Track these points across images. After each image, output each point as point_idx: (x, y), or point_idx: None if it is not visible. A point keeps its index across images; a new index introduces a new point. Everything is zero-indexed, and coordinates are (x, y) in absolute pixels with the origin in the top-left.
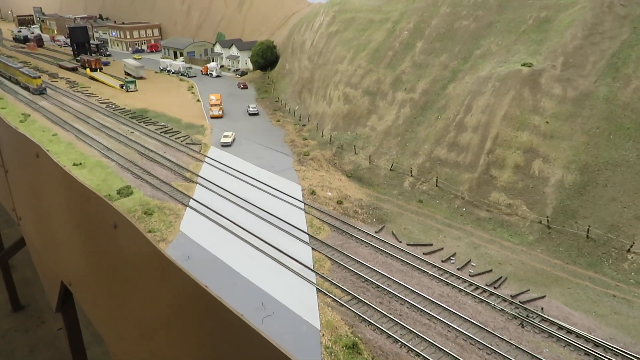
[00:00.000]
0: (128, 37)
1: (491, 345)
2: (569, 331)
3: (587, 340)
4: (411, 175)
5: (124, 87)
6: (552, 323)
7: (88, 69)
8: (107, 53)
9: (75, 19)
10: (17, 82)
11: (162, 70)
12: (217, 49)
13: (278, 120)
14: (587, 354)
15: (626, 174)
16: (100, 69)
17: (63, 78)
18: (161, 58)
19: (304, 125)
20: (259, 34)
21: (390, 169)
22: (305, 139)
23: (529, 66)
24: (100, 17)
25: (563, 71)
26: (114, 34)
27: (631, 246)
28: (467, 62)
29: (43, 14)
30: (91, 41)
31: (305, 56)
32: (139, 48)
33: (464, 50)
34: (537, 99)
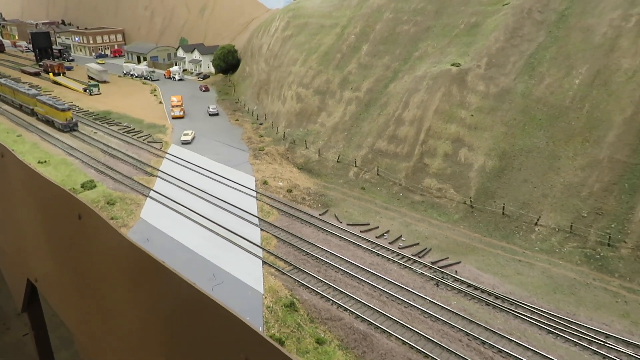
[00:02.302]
0: (91, 42)
1: (409, 300)
2: (476, 288)
3: (489, 294)
4: (355, 166)
5: (87, 91)
6: (463, 282)
7: (51, 74)
8: (70, 58)
9: (37, 24)
10: (32, 113)
11: (125, 74)
12: (180, 53)
13: (237, 120)
14: (487, 304)
15: (537, 159)
16: (64, 73)
17: (26, 83)
18: (124, 63)
19: (261, 124)
20: (220, 39)
21: (337, 161)
22: (262, 136)
23: (457, 66)
24: (63, 22)
25: (487, 70)
26: (76, 39)
27: (538, 220)
28: (406, 63)
29: (4, 20)
30: (54, 46)
31: (262, 59)
32: (103, 53)
33: (404, 52)
34: (463, 95)
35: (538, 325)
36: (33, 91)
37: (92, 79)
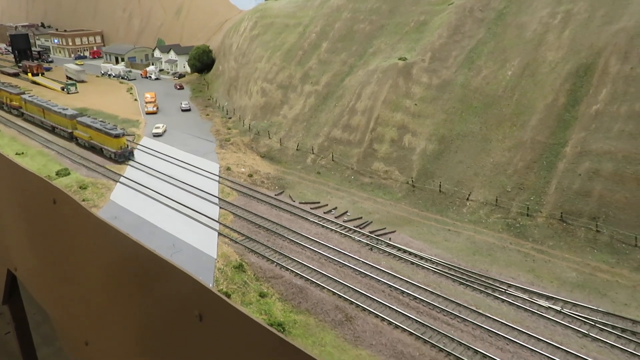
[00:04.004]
0: (70, 44)
1: (343, 261)
2: (405, 251)
3: (416, 256)
4: (313, 153)
5: (65, 90)
6: (395, 247)
7: (30, 74)
8: (49, 59)
9: (16, 26)
10: (69, 137)
11: (103, 74)
12: (157, 53)
13: (207, 115)
14: (412, 264)
15: (471, 142)
16: (42, 73)
17: (5, 83)
18: (102, 63)
19: (230, 118)
20: (196, 40)
21: (297, 149)
22: (229, 129)
23: (404, 60)
24: (43, 25)
25: (430, 63)
26: (56, 41)
27: (469, 195)
28: (361, 58)
29: None
30: (33, 48)
31: (232, 57)
32: (82, 54)
33: (360, 49)
34: (409, 86)
35: (452, 279)
36: (71, 111)
37: (70, 78)
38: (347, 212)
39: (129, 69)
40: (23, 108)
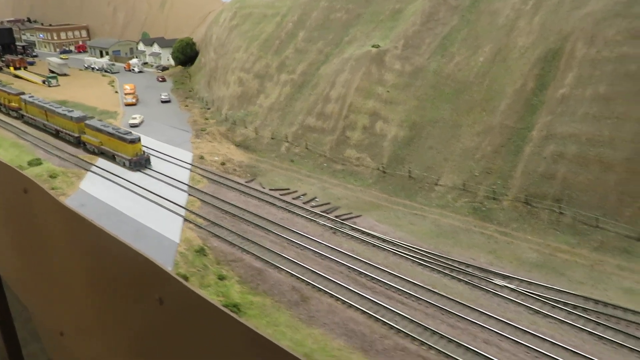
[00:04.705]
0: (55, 38)
1: (305, 244)
2: (369, 234)
3: (379, 239)
4: (287, 141)
5: (46, 83)
6: (359, 230)
7: (12, 67)
8: (34, 54)
9: (2, 22)
10: (77, 142)
11: (87, 68)
12: (141, 47)
13: (186, 106)
14: (374, 246)
15: (442, 128)
16: (25, 67)
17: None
18: (88, 57)
19: (209, 109)
20: (180, 32)
21: (272, 138)
22: (207, 119)
23: (377, 47)
24: (29, 19)
25: (403, 51)
26: (41, 35)
27: (438, 180)
28: (337, 47)
29: None
30: (18, 43)
31: (212, 49)
32: (67, 49)
33: (336, 38)
34: (381, 73)
35: (412, 260)
36: (78, 113)
37: (53, 72)
38: (315, 198)
39: (112, 62)
40: (23, 110)
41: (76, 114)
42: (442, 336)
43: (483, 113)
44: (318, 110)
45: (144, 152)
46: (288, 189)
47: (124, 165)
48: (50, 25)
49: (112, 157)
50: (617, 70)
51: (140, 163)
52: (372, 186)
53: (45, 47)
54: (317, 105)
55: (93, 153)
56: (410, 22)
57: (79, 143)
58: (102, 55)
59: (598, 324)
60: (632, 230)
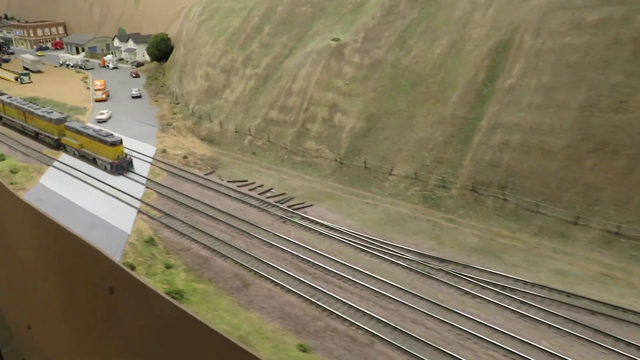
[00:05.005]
0: (32, 35)
1: (254, 233)
2: (318, 223)
3: (327, 227)
4: (250, 134)
5: (18, 80)
6: (308, 219)
7: None
8: (10, 51)
9: None
10: (56, 145)
11: (61, 64)
12: (116, 43)
13: (156, 101)
14: (321, 234)
15: (398, 119)
16: None
17: None
18: (64, 54)
19: (178, 104)
20: (155, 28)
21: (235, 131)
22: (175, 114)
23: (337, 41)
24: (6, 16)
25: (363, 44)
26: (17, 32)
27: (391, 170)
28: (301, 41)
29: None
30: None
31: (182, 44)
32: (44, 46)
33: (300, 32)
34: (340, 66)
35: (356, 247)
36: (57, 114)
37: (27, 69)
38: (272, 189)
39: (86, 59)
40: (1, 111)
41: (56, 115)
42: (372, 317)
43: (437, 104)
44: (280, 104)
45: (126, 154)
46: (246, 181)
47: (105, 169)
48: (27, 22)
49: (92, 161)
50: (560, 60)
51: (122, 166)
52: (329, 177)
53: (22, 44)
54: (280, 98)
55: (74, 156)
56: (371, 15)
57: (59, 146)
58: (78, 52)
59: (523, 303)
60: (569, 215)
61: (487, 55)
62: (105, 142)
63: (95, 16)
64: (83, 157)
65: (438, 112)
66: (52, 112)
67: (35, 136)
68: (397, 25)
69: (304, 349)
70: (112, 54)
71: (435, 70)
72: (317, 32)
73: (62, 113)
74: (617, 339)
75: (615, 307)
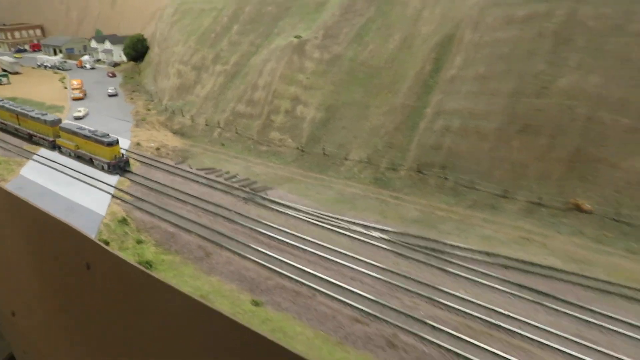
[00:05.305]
0: (10, 38)
1: (217, 212)
2: (276, 203)
3: (284, 206)
4: (219, 127)
5: None
6: (268, 200)
7: None
8: None
9: None
10: (51, 146)
11: (39, 65)
12: (93, 44)
13: (132, 99)
14: (278, 212)
15: (354, 110)
16: None
17: None
18: (42, 55)
19: (152, 100)
20: (132, 29)
21: (206, 124)
22: (149, 110)
23: (299, 38)
24: None
25: (323, 40)
26: None
27: (347, 156)
28: (267, 39)
29: None
30: None
31: (156, 43)
32: (22, 48)
33: (266, 30)
34: (302, 61)
35: (308, 221)
36: (51, 116)
37: (5, 70)
38: (237, 175)
39: (64, 60)
40: None
41: (50, 117)
42: (315, 276)
43: (389, 95)
44: (247, 98)
45: (122, 154)
46: (214, 169)
47: (102, 169)
48: (5, 25)
49: (89, 161)
50: (493, 52)
51: (120, 166)
52: (291, 164)
53: (0, 47)
54: (247, 93)
55: (69, 157)
56: (330, 14)
57: (54, 147)
58: (55, 53)
59: (448, 262)
60: (499, 189)
61: (434, 49)
62: (102, 143)
63: (73, 18)
64: (79, 157)
65: (390, 102)
66: (45, 114)
67: (29, 138)
68: (355, 23)
69: (256, 304)
70: (90, 54)
71: (388, 63)
72: (282, 30)
73: (55, 115)
74: (523, 287)
75: (525, 262)
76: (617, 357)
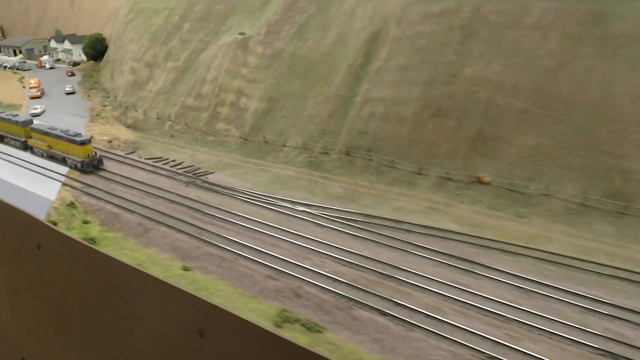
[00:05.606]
0: None
1: (159, 194)
2: (215, 185)
3: (222, 187)
4: (170, 120)
5: None
6: (208, 183)
7: None
8: None
9: None
10: (23, 147)
11: None
12: (53, 44)
13: (89, 96)
14: (216, 192)
15: (293, 101)
16: None
17: None
18: (1, 56)
19: (108, 97)
20: (91, 29)
21: (157, 118)
22: (105, 106)
23: (243, 35)
24: None
25: (265, 37)
26: None
27: (285, 143)
28: (216, 36)
29: None
30: None
31: (112, 42)
32: None
33: (215, 28)
34: (245, 57)
35: (241, 200)
36: (22, 117)
37: None
38: (182, 162)
39: (23, 60)
40: None
41: (21, 117)
42: (240, 243)
43: (325, 86)
44: (196, 92)
45: (95, 152)
46: (161, 157)
47: (75, 168)
48: None
49: (62, 161)
50: (413, 45)
51: (93, 164)
52: (235, 152)
53: None
54: (196, 87)
55: (41, 157)
56: (273, 12)
57: (25, 148)
58: (15, 54)
59: (359, 229)
60: (415, 167)
61: (365, 43)
62: (74, 142)
63: (32, 19)
64: (52, 157)
65: (325, 92)
66: (17, 115)
67: (0, 139)
68: (297, 20)
69: (186, 269)
70: (49, 54)
71: (325, 57)
72: (230, 27)
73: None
74: (419, 246)
75: (427, 227)
76: (481, 295)
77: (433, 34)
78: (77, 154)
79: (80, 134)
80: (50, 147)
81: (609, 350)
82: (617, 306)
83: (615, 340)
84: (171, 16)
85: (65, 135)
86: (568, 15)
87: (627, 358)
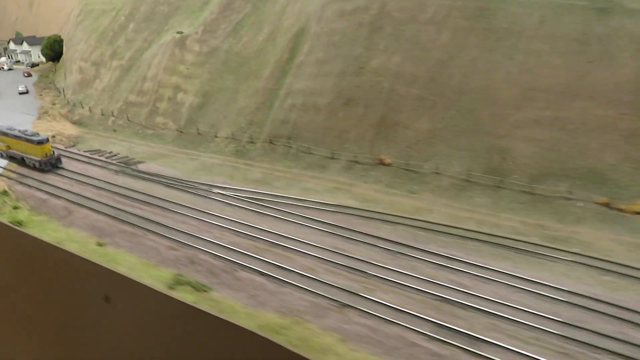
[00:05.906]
0: None
1: (90, 182)
2: (144, 172)
3: (150, 174)
4: (113, 116)
5: None
6: (137, 171)
7: None
8: None
9: None
10: None
11: None
12: (12, 46)
13: (41, 95)
14: (144, 179)
15: (226, 95)
16: None
17: None
18: None
19: (59, 96)
20: (50, 30)
21: (102, 114)
22: (54, 104)
23: (181, 33)
24: None
25: (202, 35)
26: None
27: (217, 134)
28: (159, 35)
29: None
30: None
31: (65, 43)
32: None
33: (159, 28)
34: (183, 54)
35: (165, 185)
36: None
37: None
38: (118, 154)
39: None
40: None
41: None
42: (159, 223)
43: (255, 80)
44: (138, 88)
45: (53, 151)
46: (99, 150)
47: (34, 167)
48: None
49: (21, 160)
50: (329, 40)
51: (51, 163)
52: (170, 143)
53: None
54: (138, 84)
55: (1, 157)
56: (210, 11)
57: None
58: None
59: (267, 207)
60: (328, 152)
61: (291, 40)
62: (32, 142)
63: None
64: (12, 157)
65: (254, 86)
66: None
67: None
68: (233, 19)
69: (100, 244)
70: (8, 56)
71: (257, 54)
72: (172, 27)
73: None
74: (314, 220)
75: (327, 204)
76: (353, 257)
77: (346, 30)
78: (35, 153)
79: (37, 133)
80: (9, 147)
81: (445, 296)
82: (467, 262)
83: (454, 289)
84: (117, 17)
85: (23, 136)
86: (458, 11)
87: (460, 302)
